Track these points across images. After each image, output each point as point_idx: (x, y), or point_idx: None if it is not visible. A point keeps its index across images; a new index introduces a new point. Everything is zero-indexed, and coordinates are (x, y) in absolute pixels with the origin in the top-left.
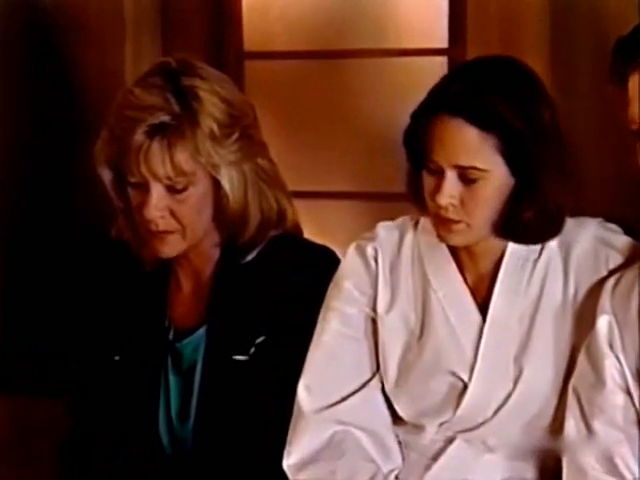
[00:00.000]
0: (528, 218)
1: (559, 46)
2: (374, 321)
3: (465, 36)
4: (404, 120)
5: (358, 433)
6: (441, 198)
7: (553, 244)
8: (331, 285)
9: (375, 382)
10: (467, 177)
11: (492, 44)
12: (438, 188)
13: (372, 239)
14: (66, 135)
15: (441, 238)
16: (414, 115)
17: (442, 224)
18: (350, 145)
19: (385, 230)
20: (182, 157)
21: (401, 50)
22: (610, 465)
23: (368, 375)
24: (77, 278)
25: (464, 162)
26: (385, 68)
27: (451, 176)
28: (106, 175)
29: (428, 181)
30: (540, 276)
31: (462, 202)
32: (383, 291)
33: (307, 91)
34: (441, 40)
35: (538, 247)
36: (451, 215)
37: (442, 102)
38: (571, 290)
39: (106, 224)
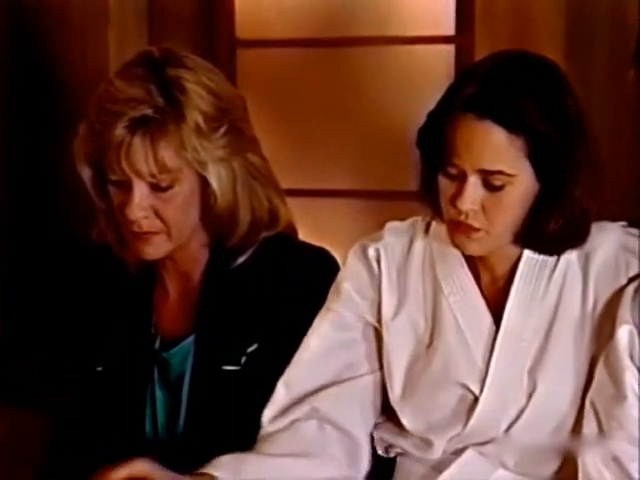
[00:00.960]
0: (553, 228)
1: (574, 34)
2: (376, 329)
3: (473, 23)
4: (408, 113)
5: (326, 426)
6: (463, 204)
7: (572, 250)
8: (332, 286)
9: (366, 380)
10: (491, 183)
11: (502, 32)
12: (459, 193)
13: (377, 240)
14: (48, 132)
15: (457, 246)
16: (432, 114)
17: (459, 231)
18: (349, 140)
19: (393, 231)
20: (166, 153)
21: (405, 38)
22: (623, 474)
23: (358, 372)
24: (57, 283)
25: (490, 166)
26: (387, 57)
27: (474, 181)
28: (86, 173)
29: (447, 185)
30: (558, 283)
31: (483, 208)
32: (388, 295)
33: (304, 82)
34: (447, 28)
35: None
36: (471, 221)
37: (466, 102)
38: (590, 299)
39: (88, 225)
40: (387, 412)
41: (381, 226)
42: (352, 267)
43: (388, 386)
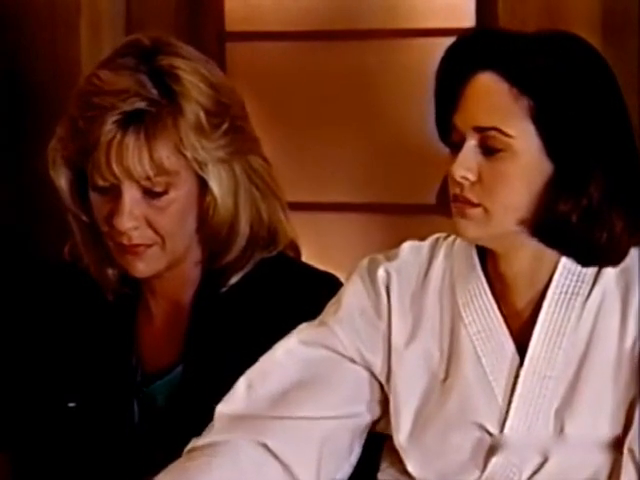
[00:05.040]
0: (567, 219)
1: (612, 25)
2: (369, 371)
3: (496, 12)
4: (423, 115)
5: (271, 463)
6: (456, 169)
7: (610, 278)
8: (332, 300)
9: (332, 424)
10: (488, 145)
11: (530, 21)
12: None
13: (390, 259)
14: (13, 136)
15: (457, 230)
16: (438, 74)
17: (457, 208)
18: (356, 146)
19: (411, 249)
20: (163, 152)
21: (418, 30)
22: None
23: (322, 413)
24: (21, 305)
25: (484, 122)
26: (399, 52)
27: (470, 144)
28: (63, 181)
29: (450, 159)
30: (591, 315)
31: (481, 179)
32: (400, 322)
33: (302, 80)
34: (467, 17)
35: (590, 279)
36: (467, 194)
37: (473, 58)
38: (630, 335)
39: (62, 242)
40: (390, 456)
41: (395, 244)
42: (356, 285)
43: (393, 426)
